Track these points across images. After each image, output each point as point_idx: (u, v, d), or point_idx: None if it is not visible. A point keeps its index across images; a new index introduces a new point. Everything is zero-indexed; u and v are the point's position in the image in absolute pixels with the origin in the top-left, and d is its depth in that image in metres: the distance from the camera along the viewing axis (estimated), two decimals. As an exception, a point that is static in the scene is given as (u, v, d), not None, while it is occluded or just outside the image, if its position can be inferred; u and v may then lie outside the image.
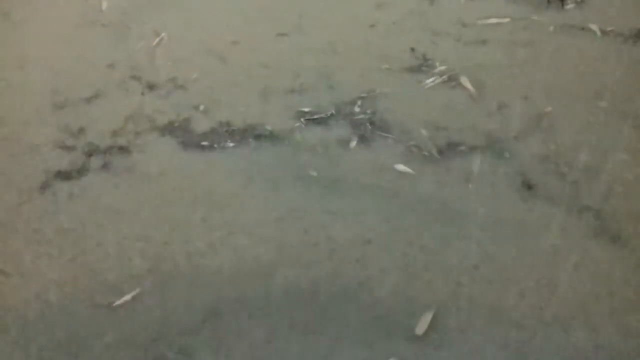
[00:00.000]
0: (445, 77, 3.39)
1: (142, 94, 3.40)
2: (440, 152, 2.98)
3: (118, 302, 2.48)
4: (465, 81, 3.34)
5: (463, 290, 2.43)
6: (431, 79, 3.37)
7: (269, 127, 3.17)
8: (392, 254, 2.57)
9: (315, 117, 3.21)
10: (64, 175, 2.99)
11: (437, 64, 3.48)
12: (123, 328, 2.40)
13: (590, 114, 3.10)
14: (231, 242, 2.66)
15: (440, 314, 2.35)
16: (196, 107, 3.30)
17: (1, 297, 2.53)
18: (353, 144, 3.06)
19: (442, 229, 2.66)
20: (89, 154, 3.08)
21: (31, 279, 2.58)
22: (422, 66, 3.47)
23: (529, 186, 2.80)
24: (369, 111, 3.21)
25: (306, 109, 3.25)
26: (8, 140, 3.19)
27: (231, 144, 3.09)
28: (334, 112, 3.22)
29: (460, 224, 2.67)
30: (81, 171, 3.01)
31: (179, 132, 3.17)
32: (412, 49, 3.55)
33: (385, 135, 3.08)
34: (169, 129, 3.19)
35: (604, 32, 3.56)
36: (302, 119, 3.20)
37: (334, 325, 2.36)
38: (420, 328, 2.30)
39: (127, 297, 2.49)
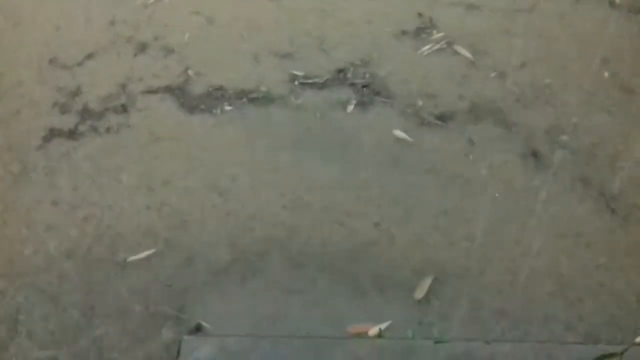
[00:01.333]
0: (443, 43, 3.29)
1: (135, 55, 3.29)
2: (439, 118, 2.90)
3: (131, 259, 2.44)
4: (460, 49, 3.25)
5: (464, 258, 2.38)
6: (428, 46, 3.28)
7: (264, 90, 3.08)
8: (393, 220, 2.52)
9: (310, 81, 3.12)
10: (61, 134, 2.91)
11: (435, 31, 3.38)
12: (132, 283, 2.37)
13: (593, 85, 3.03)
14: (238, 206, 2.60)
15: (440, 279, 2.30)
16: (189, 70, 3.20)
17: (17, 251, 2.49)
18: (350, 107, 2.98)
19: (443, 196, 2.60)
20: (86, 114, 2.99)
21: (43, 233, 2.53)
22: (420, 32, 3.37)
23: (531, 155, 2.74)
24: (366, 76, 3.13)
25: (301, 73, 3.16)
26: (3, 99, 3.09)
27: (228, 108, 3.01)
28: (329, 76, 3.14)
29: (462, 191, 2.61)
30: (78, 131, 2.92)
31: (175, 95, 3.08)
32: (420, 14, 3.44)
33: (383, 100, 3.00)
34: (164, 92, 3.09)
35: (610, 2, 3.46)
36: (296, 82, 3.11)
37: (330, 287, 2.32)
38: (419, 293, 2.26)
39: (141, 255, 2.44)
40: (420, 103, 2.97)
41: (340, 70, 3.16)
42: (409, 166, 2.72)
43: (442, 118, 2.91)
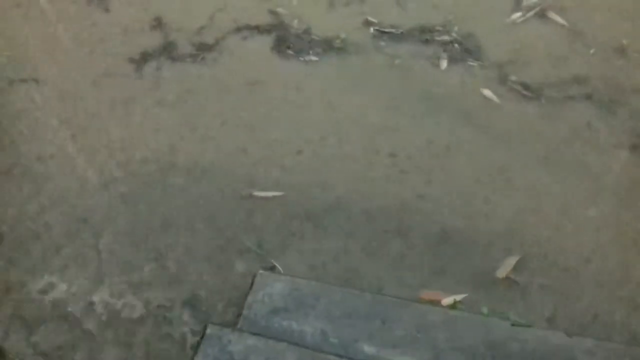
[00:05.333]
0: (538, 9, 2.91)
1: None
2: (529, 89, 2.59)
3: (256, 194, 2.31)
4: (557, 18, 2.87)
5: (553, 239, 2.13)
6: (519, 13, 2.91)
7: (348, 40, 2.81)
8: (488, 190, 2.29)
9: (387, 30, 2.85)
10: (153, 57, 2.75)
11: (527, -4, 2.99)
12: (237, 216, 2.26)
13: None
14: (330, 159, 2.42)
15: (526, 260, 2.06)
16: (278, 11, 2.94)
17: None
18: (444, 64, 2.68)
19: (533, 169, 2.33)
20: (177, 45, 2.81)
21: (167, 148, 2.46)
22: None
23: (633, 146, 2.42)
24: (454, 35, 2.80)
25: (385, 27, 2.87)
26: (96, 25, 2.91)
27: (314, 58, 2.75)
28: (407, 29, 2.85)
29: (561, 171, 2.33)
30: (172, 57, 2.76)
31: (263, 37, 2.83)
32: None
33: (474, 61, 2.69)
34: (249, 35, 2.85)
35: None
36: (372, 30, 2.84)
37: (411, 251, 2.13)
38: (502, 271, 2.02)
39: (268, 194, 2.31)
40: (510, 69, 2.66)
41: (428, 27, 2.85)
42: (501, 133, 2.46)
43: (533, 89, 2.60)
